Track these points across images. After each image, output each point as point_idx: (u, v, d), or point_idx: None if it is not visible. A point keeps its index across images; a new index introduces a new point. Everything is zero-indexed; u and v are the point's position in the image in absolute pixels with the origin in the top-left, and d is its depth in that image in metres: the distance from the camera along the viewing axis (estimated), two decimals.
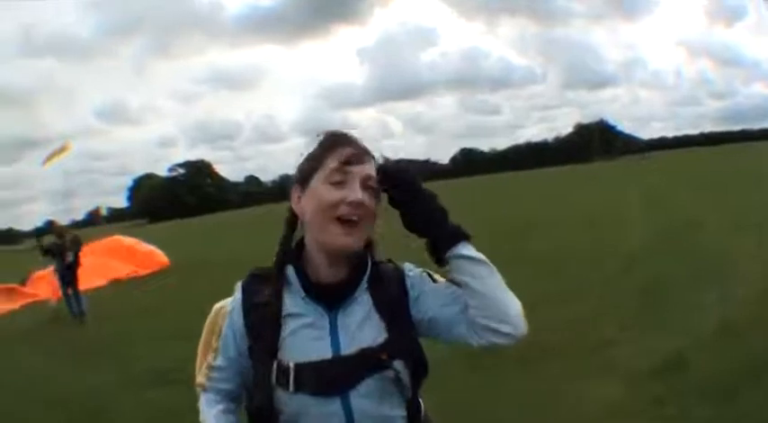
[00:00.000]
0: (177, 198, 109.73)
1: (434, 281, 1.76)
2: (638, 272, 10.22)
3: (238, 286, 1.77)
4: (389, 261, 1.80)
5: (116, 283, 19.99)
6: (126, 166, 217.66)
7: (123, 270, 21.28)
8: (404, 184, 1.65)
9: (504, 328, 1.62)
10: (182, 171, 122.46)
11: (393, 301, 1.71)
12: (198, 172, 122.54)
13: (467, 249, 1.65)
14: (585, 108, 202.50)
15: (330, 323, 1.66)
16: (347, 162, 1.63)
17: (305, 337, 1.65)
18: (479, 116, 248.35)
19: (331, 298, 1.68)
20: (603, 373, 5.83)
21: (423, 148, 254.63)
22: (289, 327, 1.66)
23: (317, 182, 1.65)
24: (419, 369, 1.71)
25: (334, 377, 1.61)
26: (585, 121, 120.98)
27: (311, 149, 1.71)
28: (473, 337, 1.67)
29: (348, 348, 1.64)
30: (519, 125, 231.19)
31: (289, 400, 1.62)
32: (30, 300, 17.82)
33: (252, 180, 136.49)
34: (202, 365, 1.86)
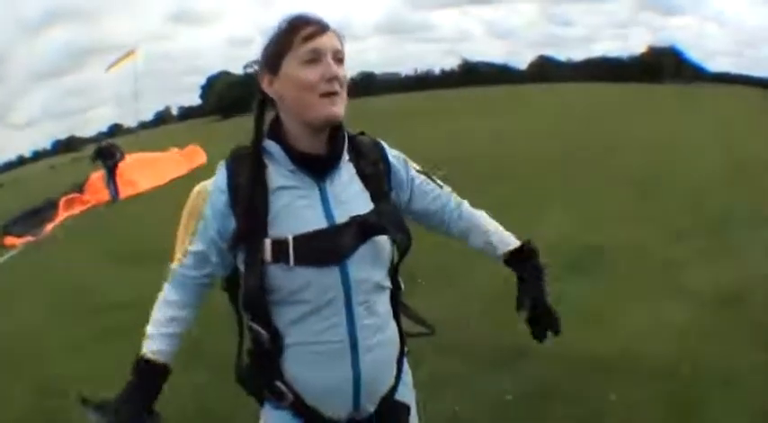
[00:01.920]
0: (252, 95, 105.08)
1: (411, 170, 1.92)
2: (708, 201, 9.68)
3: (221, 165, 1.76)
4: (362, 133, 1.88)
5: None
6: (197, 66, 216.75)
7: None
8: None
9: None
10: (257, 68, 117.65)
11: (376, 173, 1.79)
12: None
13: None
14: (657, 32, 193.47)
15: (321, 194, 1.69)
16: (311, 38, 1.65)
17: (298, 209, 1.67)
18: (556, 27, 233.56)
19: (318, 169, 1.70)
20: (671, 295, 5.76)
21: (501, 53, 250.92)
22: (280, 200, 1.67)
23: (290, 65, 1.67)
24: (403, 239, 1.75)
25: (332, 246, 1.65)
26: (657, 44, 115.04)
27: (273, 34, 1.73)
28: (441, 230, 2.02)
29: (341, 217, 1.67)
30: (593, 39, 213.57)
31: (286, 275, 1.63)
32: (87, 205, 18.63)
33: None
34: (179, 248, 1.92)
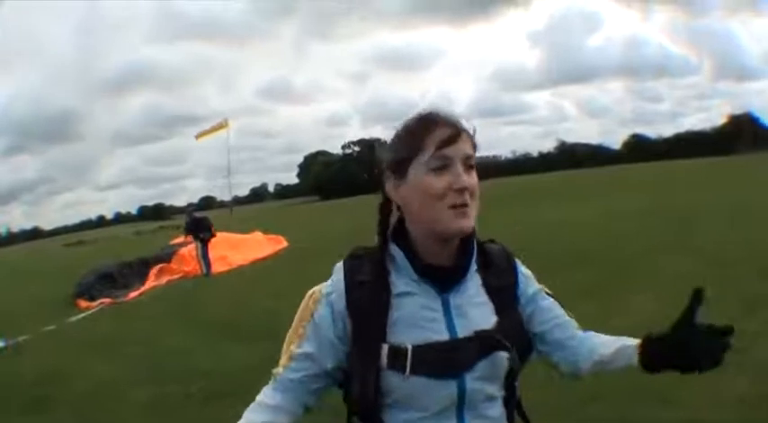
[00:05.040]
0: (351, 175, 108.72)
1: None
2: None
3: (339, 266, 1.72)
4: (492, 241, 1.85)
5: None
6: (294, 143, 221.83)
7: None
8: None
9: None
10: (356, 149, 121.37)
11: (503, 285, 1.75)
12: (373, 150, 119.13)
13: None
14: (735, 99, 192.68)
15: (443, 305, 1.65)
16: (443, 145, 1.58)
17: (420, 319, 1.63)
18: (644, 103, 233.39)
19: (443, 280, 1.66)
20: (739, 368, 5.46)
21: (595, 133, 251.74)
22: (402, 307, 1.64)
23: (418, 171, 1.61)
24: (525, 353, 1.75)
25: (452, 359, 1.62)
26: (736, 112, 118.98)
27: (401, 135, 1.68)
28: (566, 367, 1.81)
29: (464, 331, 1.64)
30: (680, 113, 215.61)
31: (401, 383, 1.61)
32: (175, 276, 19.02)
33: None
34: (284, 355, 1.76)
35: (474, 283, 1.71)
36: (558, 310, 1.81)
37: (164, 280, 18.44)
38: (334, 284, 1.69)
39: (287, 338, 1.77)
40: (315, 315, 1.69)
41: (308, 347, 1.69)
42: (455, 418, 1.65)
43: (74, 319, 13.50)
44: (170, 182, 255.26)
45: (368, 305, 1.64)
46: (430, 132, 1.60)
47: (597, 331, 1.82)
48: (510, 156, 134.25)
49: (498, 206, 27.06)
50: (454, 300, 1.66)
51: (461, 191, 1.57)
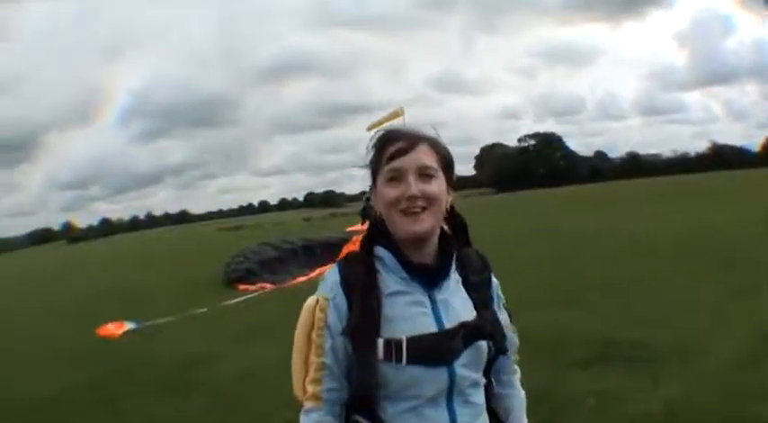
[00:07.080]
0: (526, 169, 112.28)
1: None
2: None
3: (333, 271, 1.88)
4: (468, 245, 2.02)
5: None
6: (465, 135, 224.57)
7: None
8: None
9: None
10: (532, 142, 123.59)
11: (480, 283, 1.96)
12: (547, 144, 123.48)
13: None
14: None
15: (430, 300, 1.83)
16: (393, 158, 1.82)
17: (412, 314, 1.80)
18: None
19: (429, 278, 1.84)
20: None
21: (738, 135, 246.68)
22: (394, 304, 1.80)
23: (380, 182, 1.86)
24: (502, 344, 1.93)
25: (443, 348, 1.79)
26: None
27: (368, 152, 1.92)
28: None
29: (450, 322, 1.82)
30: None
31: (397, 373, 1.75)
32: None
33: (600, 155, 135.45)
34: (309, 370, 1.86)
35: (454, 280, 1.90)
36: (510, 334, 2.00)
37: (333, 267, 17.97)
38: (333, 289, 1.84)
39: (298, 350, 1.89)
40: (328, 322, 1.82)
41: (330, 357, 1.81)
42: (445, 405, 1.81)
43: (230, 302, 13.43)
44: (337, 170, 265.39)
45: (364, 304, 1.78)
46: (385, 148, 1.85)
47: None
48: (671, 155, 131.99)
49: (656, 205, 28.08)
50: (439, 295, 1.85)
51: (411, 199, 1.79)
